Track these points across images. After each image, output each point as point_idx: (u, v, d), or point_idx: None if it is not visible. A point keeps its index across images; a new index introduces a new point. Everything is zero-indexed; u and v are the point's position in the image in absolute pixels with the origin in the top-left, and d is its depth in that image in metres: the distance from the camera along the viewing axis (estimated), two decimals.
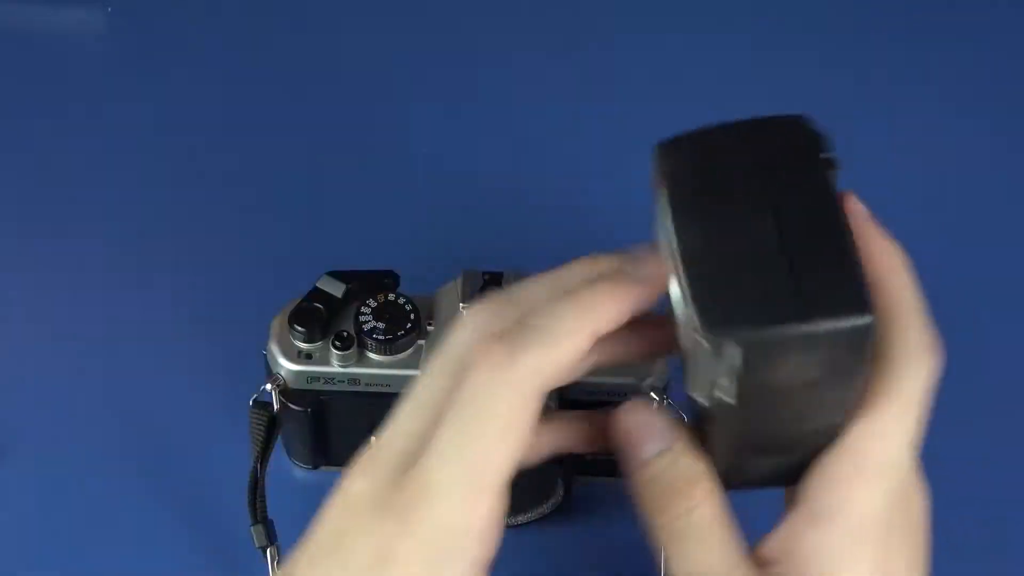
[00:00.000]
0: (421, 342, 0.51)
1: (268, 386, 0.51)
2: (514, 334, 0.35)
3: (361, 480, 0.37)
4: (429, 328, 0.51)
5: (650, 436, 0.37)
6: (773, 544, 0.37)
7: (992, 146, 0.69)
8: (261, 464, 0.51)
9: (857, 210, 0.37)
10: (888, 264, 0.37)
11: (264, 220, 0.64)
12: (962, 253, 0.64)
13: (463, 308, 0.49)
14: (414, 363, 0.50)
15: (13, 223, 0.65)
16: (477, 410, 0.35)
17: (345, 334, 0.50)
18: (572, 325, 0.35)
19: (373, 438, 0.38)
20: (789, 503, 0.38)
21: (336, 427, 0.53)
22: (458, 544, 0.35)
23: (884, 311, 0.36)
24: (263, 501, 0.51)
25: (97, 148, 0.68)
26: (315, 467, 0.55)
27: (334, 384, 0.50)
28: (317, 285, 0.51)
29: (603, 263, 0.38)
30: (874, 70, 0.73)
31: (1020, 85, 0.72)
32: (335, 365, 0.50)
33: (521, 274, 0.50)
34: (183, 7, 0.74)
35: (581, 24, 0.74)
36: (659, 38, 0.74)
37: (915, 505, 0.38)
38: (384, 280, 0.52)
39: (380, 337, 0.50)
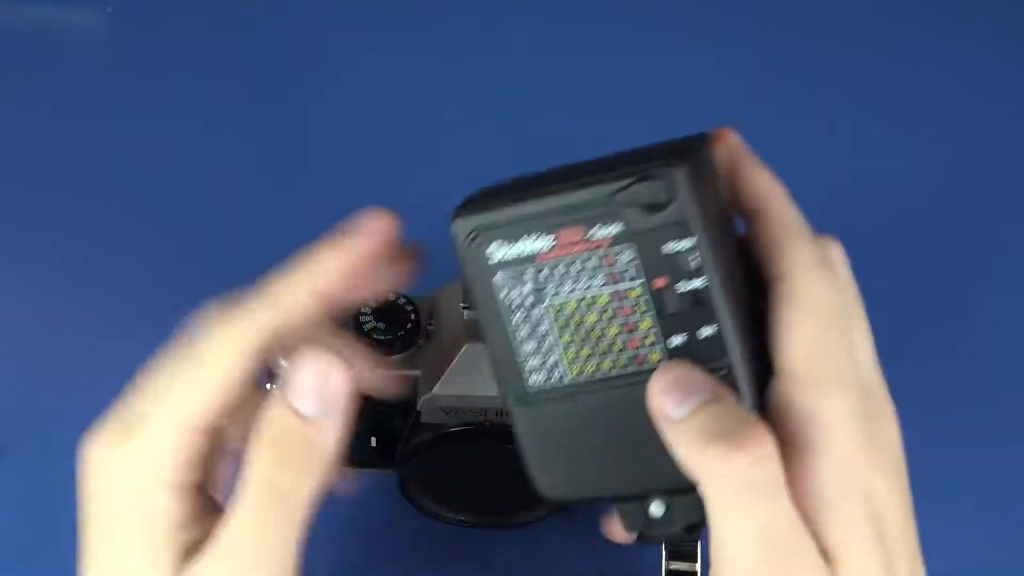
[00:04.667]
0: (422, 342, 0.51)
1: (269, 386, 0.50)
2: (244, 299, 0.39)
3: (92, 446, 0.40)
4: (430, 328, 0.51)
5: (691, 388, 0.36)
6: None
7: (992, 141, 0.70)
8: None
9: (734, 142, 0.39)
10: (766, 187, 0.38)
11: (263, 219, 0.64)
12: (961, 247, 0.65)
13: (463, 308, 0.49)
14: (414, 364, 0.50)
15: (13, 223, 0.65)
16: (194, 357, 0.38)
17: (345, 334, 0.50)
18: (291, 285, 0.39)
19: None
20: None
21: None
22: (155, 468, 0.38)
23: (770, 229, 0.38)
24: None
25: (97, 148, 0.68)
26: None
27: None
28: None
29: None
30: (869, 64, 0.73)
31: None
32: None
33: None
34: (183, 7, 0.74)
35: (581, 23, 0.74)
36: (657, 40, 0.74)
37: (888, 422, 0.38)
38: None
39: (381, 338, 0.50)
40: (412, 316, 0.50)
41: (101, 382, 0.57)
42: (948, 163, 0.68)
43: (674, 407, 0.36)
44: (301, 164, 0.67)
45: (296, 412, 0.38)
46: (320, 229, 0.63)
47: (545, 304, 0.38)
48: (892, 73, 0.72)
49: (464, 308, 0.49)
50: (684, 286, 0.36)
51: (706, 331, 0.37)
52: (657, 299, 0.37)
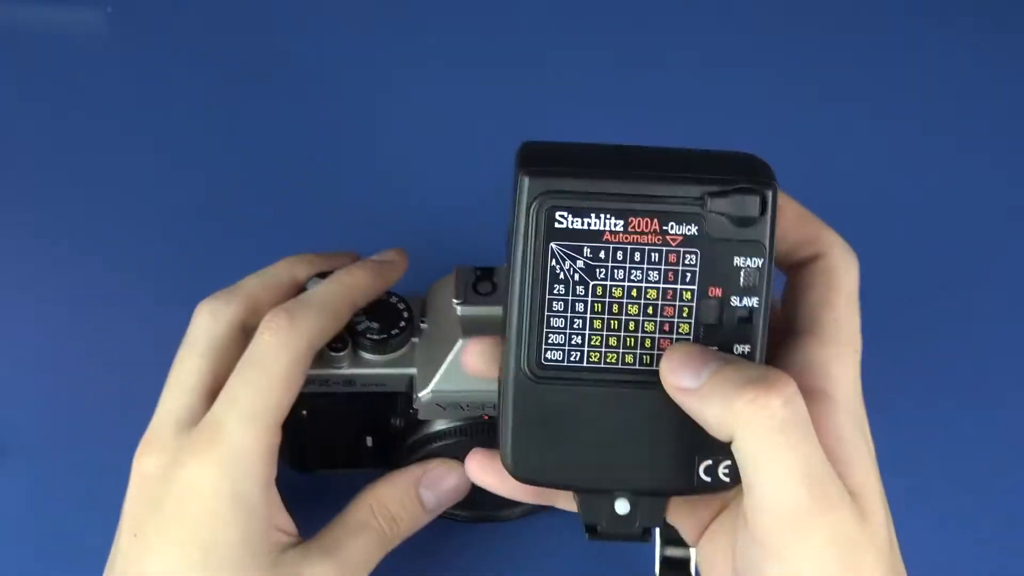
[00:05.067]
0: (415, 340, 0.50)
1: None
2: (293, 307, 0.47)
3: (147, 458, 0.46)
4: (423, 326, 0.51)
5: (706, 358, 0.37)
6: None
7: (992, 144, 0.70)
8: None
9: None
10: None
11: (263, 218, 0.64)
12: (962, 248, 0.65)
13: (456, 304, 0.49)
14: (409, 361, 0.50)
15: (13, 222, 0.65)
16: (264, 364, 0.45)
17: (340, 335, 0.49)
18: (338, 295, 0.48)
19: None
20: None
21: (331, 429, 0.53)
22: (252, 467, 0.44)
23: (805, 216, 0.41)
24: None
25: (97, 148, 0.68)
26: (311, 471, 0.55)
27: (329, 386, 0.50)
28: (307, 287, 0.51)
29: (312, 256, 0.51)
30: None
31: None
32: (330, 367, 0.50)
33: None
34: (183, 7, 0.74)
35: (573, 21, 0.75)
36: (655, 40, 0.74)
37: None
38: None
39: (375, 337, 0.49)
40: (405, 314, 0.50)
41: (102, 382, 0.58)
42: (948, 164, 0.69)
43: (690, 378, 0.37)
44: (301, 164, 0.67)
45: (419, 498, 0.49)
46: (320, 227, 0.63)
47: (592, 284, 0.38)
48: (891, 73, 0.72)
49: (457, 304, 0.49)
50: (737, 301, 0.38)
51: (740, 348, 0.38)
52: (703, 307, 0.38)
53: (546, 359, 0.38)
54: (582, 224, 0.37)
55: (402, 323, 0.50)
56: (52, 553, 0.53)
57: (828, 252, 0.41)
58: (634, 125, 0.68)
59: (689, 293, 0.38)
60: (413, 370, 0.50)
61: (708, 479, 0.39)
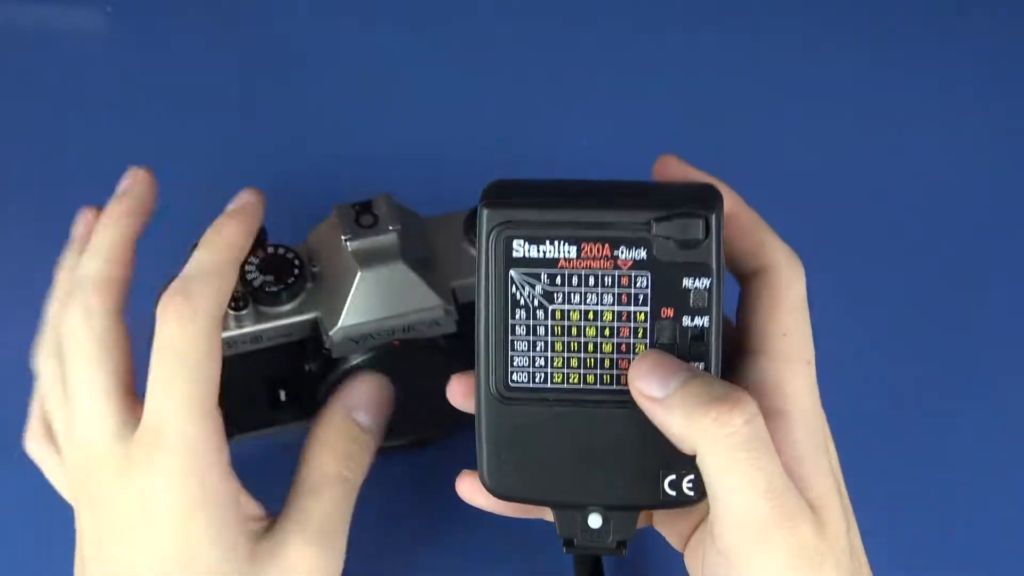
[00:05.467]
0: (311, 285, 0.51)
1: None
2: (184, 285, 0.45)
3: (90, 482, 0.44)
4: (315, 270, 0.51)
5: (673, 368, 0.39)
6: None
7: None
8: None
9: (671, 164, 0.43)
10: (732, 198, 0.42)
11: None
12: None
13: (345, 240, 0.50)
14: (311, 306, 0.51)
15: (13, 222, 0.65)
16: (180, 349, 0.43)
17: (238, 294, 0.50)
18: (218, 259, 0.46)
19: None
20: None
21: (243, 392, 0.53)
22: (209, 456, 0.43)
23: (750, 227, 0.42)
24: None
25: (97, 148, 0.68)
26: (231, 438, 0.56)
27: (238, 347, 0.51)
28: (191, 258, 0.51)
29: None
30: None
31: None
32: (234, 328, 0.51)
33: (390, 197, 0.51)
34: (183, 7, 0.74)
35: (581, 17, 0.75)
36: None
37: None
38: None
39: (272, 289, 0.50)
40: (296, 262, 0.51)
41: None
42: (948, 166, 0.69)
43: (658, 387, 0.39)
44: (302, 163, 0.67)
45: (356, 423, 0.48)
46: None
47: (551, 308, 0.40)
48: (889, 74, 0.73)
49: (346, 239, 0.50)
50: (689, 321, 0.39)
51: (696, 366, 0.40)
52: (657, 328, 0.40)
53: (513, 380, 0.40)
54: (538, 252, 0.39)
55: (296, 271, 0.51)
56: (52, 553, 0.53)
57: (772, 263, 0.42)
58: (634, 126, 0.70)
59: (642, 315, 0.40)
60: (317, 313, 0.51)
61: (673, 493, 0.41)
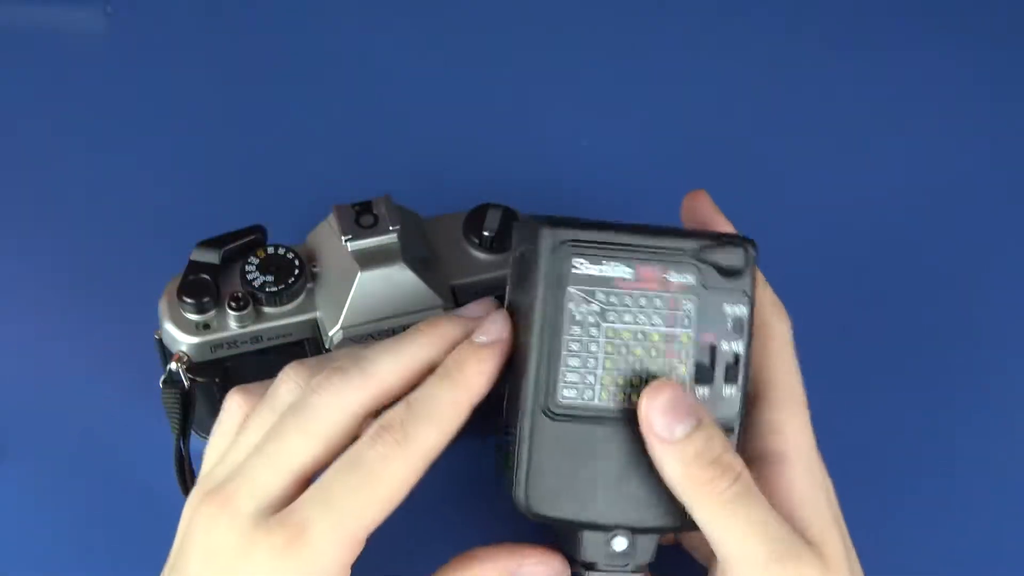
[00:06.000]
0: (311, 285, 0.51)
1: (174, 365, 0.51)
2: (407, 420, 0.41)
3: (223, 534, 0.41)
4: (315, 270, 0.52)
5: (683, 413, 0.40)
6: None
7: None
8: (184, 440, 0.51)
9: (704, 201, 0.46)
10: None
11: (263, 218, 0.58)
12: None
13: (345, 241, 0.50)
14: (310, 307, 0.51)
15: (13, 222, 0.64)
16: (373, 476, 0.41)
17: (238, 295, 0.50)
18: (454, 405, 0.42)
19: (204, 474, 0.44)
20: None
21: None
22: None
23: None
24: (193, 475, 0.51)
25: (97, 148, 0.68)
26: None
27: (238, 347, 0.51)
28: (192, 258, 0.52)
29: (447, 328, 0.44)
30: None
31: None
32: (234, 328, 0.51)
33: (390, 197, 0.52)
34: (183, 7, 0.74)
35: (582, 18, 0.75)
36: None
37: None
38: (255, 236, 0.52)
39: (272, 289, 0.50)
40: (296, 262, 0.51)
41: (101, 382, 0.57)
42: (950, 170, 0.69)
43: (666, 428, 0.40)
44: (301, 163, 0.67)
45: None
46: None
47: (604, 327, 0.41)
48: (888, 77, 0.73)
49: (346, 240, 0.50)
50: (726, 346, 0.42)
51: (727, 391, 0.42)
52: (699, 351, 0.41)
53: (563, 396, 0.41)
54: (597, 270, 0.41)
55: (296, 271, 0.51)
56: (52, 553, 0.53)
57: (758, 313, 0.44)
58: (634, 126, 0.70)
59: (687, 337, 0.41)
60: (317, 314, 0.51)
61: None
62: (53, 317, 0.61)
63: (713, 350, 0.42)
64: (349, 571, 0.41)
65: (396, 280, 0.50)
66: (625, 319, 0.41)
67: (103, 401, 0.57)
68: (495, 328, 0.43)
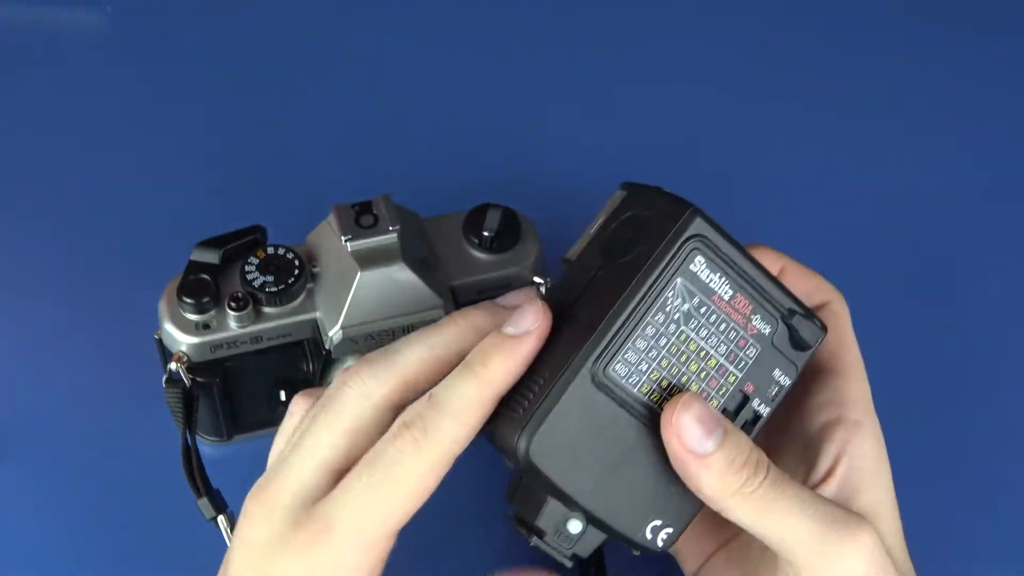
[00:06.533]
0: (311, 286, 0.51)
1: (174, 365, 0.51)
2: (429, 416, 0.41)
3: (259, 527, 0.42)
4: (315, 270, 0.52)
5: (711, 424, 0.41)
6: None
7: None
8: (191, 437, 0.51)
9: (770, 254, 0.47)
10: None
11: (262, 218, 0.58)
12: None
13: (345, 241, 0.50)
14: (310, 307, 0.51)
15: (13, 222, 0.65)
16: (394, 474, 0.40)
17: (239, 294, 0.50)
18: (476, 399, 0.41)
19: (263, 480, 0.43)
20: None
21: (244, 392, 0.54)
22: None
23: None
24: (203, 472, 0.51)
25: (96, 148, 0.68)
26: (229, 439, 0.56)
27: (237, 347, 0.51)
28: (192, 258, 0.52)
29: (479, 318, 0.43)
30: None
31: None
32: (234, 328, 0.51)
33: (390, 197, 0.52)
34: (182, 7, 0.74)
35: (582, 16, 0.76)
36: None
37: None
38: (254, 236, 0.52)
39: (272, 289, 0.50)
40: (296, 263, 0.51)
41: (102, 382, 0.57)
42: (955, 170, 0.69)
43: (701, 442, 0.41)
44: (301, 163, 0.67)
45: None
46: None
47: (682, 329, 0.41)
48: (888, 78, 0.73)
49: (346, 240, 0.50)
50: (756, 404, 0.43)
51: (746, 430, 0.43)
52: (736, 393, 0.43)
53: (613, 370, 0.41)
54: (707, 276, 0.42)
55: (296, 271, 0.51)
56: (52, 553, 0.53)
57: (831, 299, 0.47)
58: (634, 126, 0.70)
59: (734, 377, 0.43)
60: (316, 314, 0.51)
61: (649, 537, 0.42)
62: (53, 317, 0.61)
63: (745, 400, 0.43)
64: (379, 566, 0.41)
65: (396, 280, 0.50)
66: (701, 333, 0.42)
67: (103, 401, 0.57)
68: (527, 319, 0.41)
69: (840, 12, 0.76)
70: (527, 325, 0.41)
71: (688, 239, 0.41)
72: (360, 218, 0.51)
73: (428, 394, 0.41)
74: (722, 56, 0.74)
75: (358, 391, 0.42)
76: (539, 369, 0.41)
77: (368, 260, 0.50)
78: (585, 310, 0.41)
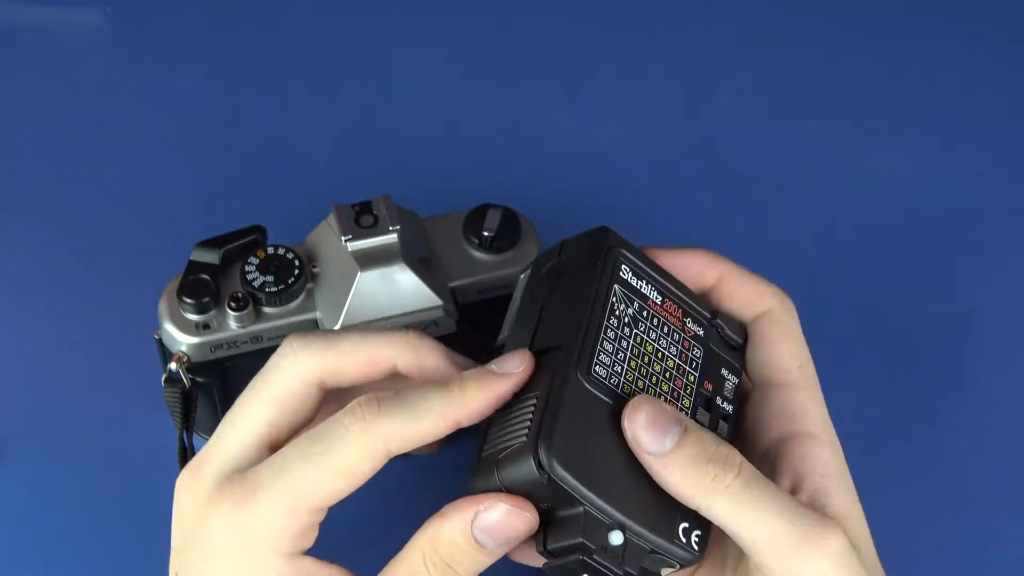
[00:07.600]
0: (311, 286, 0.51)
1: (174, 365, 0.51)
2: (387, 402, 0.41)
3: (188, 495, 0.43)
4: (315, 270, 0.52)
5: (667, 423, 0.41)
6: None
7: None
8: (188, 436, 0.51)
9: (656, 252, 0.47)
10: (721, 261, 0.48)
11: (262, 218, 0.58)
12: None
13: (345, 241, 0.50)
14: (310, 307, 0.51)
15: (13, 222, 0.65)
16: (334, 447, 0.41)
17: (239, 295, 0.50)
18: (438, 411, 0.41)
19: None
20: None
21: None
22: (274, 541, 0.41)
23: (744, 283, 0.47)
24: None
25: (96, 148, 0.68)
26: None
27: (238, 347, 0.51)
28: (192, 258, 0.51)
29: (423, 348, 0.44)
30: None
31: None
32: (234, 328, 0.51)
33: (390, 197, 0.52)
34: (182, 7, 0.74)
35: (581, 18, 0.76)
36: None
37: None
38: (255, 236, 0.52)
39: (272, 289, 0.50)
40: (296, 262, 0.51)
41: (102, 382, 0.57)
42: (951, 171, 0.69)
43: (656, 443, 0.40)
44: (301, 163, 0.67)
45: (477, 543, 0.41)
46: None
47: (635, 332, 0.44)
48: (887, 78, 0.73)
49: (346, 240, 0.50)
50: (721, 403, 0.45)
51: (721, 427, 0.45)
52: (702, 391, 0.45)
53: (595, 369, 0.42)
54: (636, 283, 0.45)
55: (296, 271, 0.51)
56: (52, 553, 0.53)
57: (771, 307, 0.47)
58: (634, 126, 0.70)
59: (693, 377, 0.45)
60: (316, 314, 0.51)
61: (684, 540, 0.41)
62: (53, 317, 0.61)
63: (711, 397, 0.45)
64: (303, 540, 0.41)
65: (396, 280, 0.50)
66: (651, 335, 0.44)
67: (103, 401, 0.57)
68: (512, 362, 0.42)
69: (841, 10, 0.76)
70: (510, 368, 0.42)
71: (609, 250, 0.44)
72: (360, 218, 0.51)
73: (396, 389, 0.42)
74: (723, 59, 0.74)
75: (288, 361, 0.43)
76: (529, 392, 0.42)
77: (368, 260, 0.50)
78: (548, 334, 0.43)
